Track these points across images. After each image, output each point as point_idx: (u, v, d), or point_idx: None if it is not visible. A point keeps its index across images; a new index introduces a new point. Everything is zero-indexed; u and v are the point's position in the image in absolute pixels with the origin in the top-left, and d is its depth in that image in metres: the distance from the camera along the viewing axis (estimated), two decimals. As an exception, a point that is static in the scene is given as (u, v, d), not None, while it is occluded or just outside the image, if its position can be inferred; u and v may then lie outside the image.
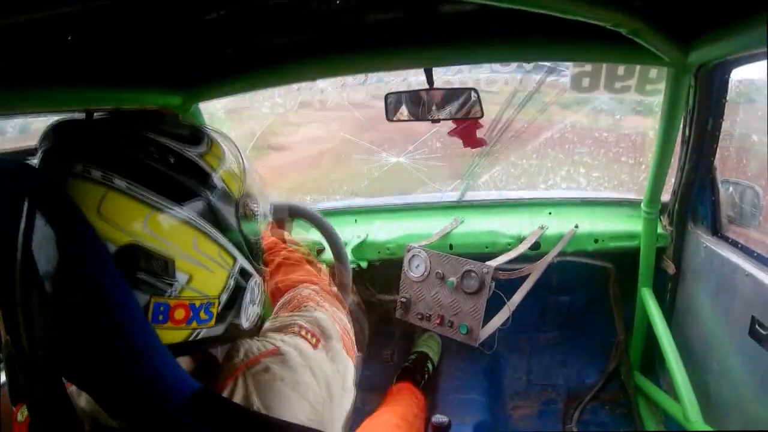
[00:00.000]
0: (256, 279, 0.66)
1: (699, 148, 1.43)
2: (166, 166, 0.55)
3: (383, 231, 1.89)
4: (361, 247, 1.83)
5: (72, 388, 0.56)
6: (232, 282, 0.60)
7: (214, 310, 0.58)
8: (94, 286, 0.46)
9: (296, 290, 0.89)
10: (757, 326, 1.21)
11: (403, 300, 1.61)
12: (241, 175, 0.64)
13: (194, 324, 0.56)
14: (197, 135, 0.61)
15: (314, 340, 0.69)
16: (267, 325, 0.73)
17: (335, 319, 0.79)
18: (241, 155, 0.66)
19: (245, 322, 0.64)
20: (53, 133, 0.56)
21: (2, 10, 0.49)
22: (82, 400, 0.57)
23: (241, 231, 0.62)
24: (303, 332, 0.70)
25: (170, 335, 0.55)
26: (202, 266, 0.56)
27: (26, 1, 0.51)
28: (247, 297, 0.64)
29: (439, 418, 1.49)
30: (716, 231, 1.48)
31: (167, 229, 0.53)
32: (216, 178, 0.59)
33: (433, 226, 1.86)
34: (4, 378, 0.56)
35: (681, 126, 1.39)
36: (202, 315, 0.57)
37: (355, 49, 1.16)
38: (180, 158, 0.56)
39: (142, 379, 0.48)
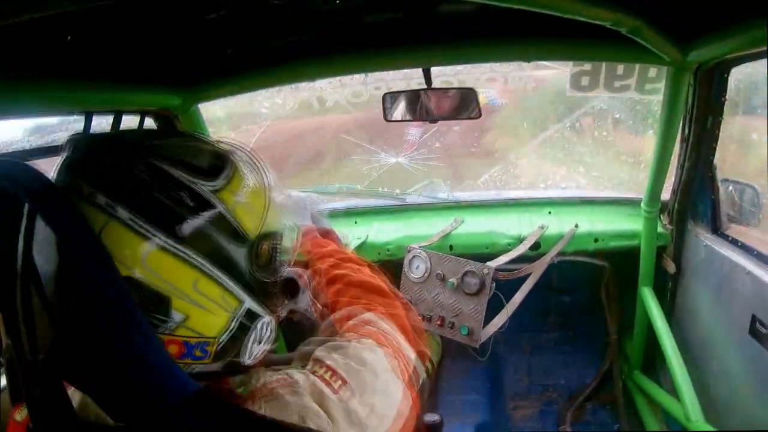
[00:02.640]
0: (265, 320, 0.61)
1: (698, 147, 1.43)
2: (174, 201, 0.52)
3: (383, 232, 1.89)
4: (360, 248, 1.83)
5: (71, 390, 0.56)
6: (234, 324, 0.57)
7: (211, 349, 0.56)
8: (95, 288, 0.46)
9: (349, 311, 0.79)
10: (757, 325, 1.21)
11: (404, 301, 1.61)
12: (261, 212, 0.59)
13: (188, 360, 0.54)
14: (217, 166, 0.56)
15: (338, 383, 0.61)
16: (300, 348, 0.69)
17: (395, 354, 0.70)
18: (268, 188, 0.62)
19: (247, 360, 0.60)
20: (71, 147, 0.55)
21: (2, 10, 0.49)
22: (82, 400, 0.57)
23: (253, 273, 0.58)
24: (326, 374, 0.62)
25: None
26: (201, 307, 0.53)
27: (26, 1, 0.51)
28: (252, 336, 0.60)
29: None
30: (716, 229, 1.48)
31: (166, 266, 0.51)
32: (228, 217, 0.55)
33: (432, 227, 1.86)
34: (4, 381, 0.56)
35: (680, 125, 1.40)
36: (197, 353, 0.55)
37: (355, 49, 1.17)
38: (191, 194, 0.53)
39: (142, 380, 0.47)
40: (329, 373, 0.61)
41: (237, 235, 0.56)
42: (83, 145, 0.56)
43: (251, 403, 0.55)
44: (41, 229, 0.45)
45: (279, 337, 1.91)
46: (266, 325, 0.61)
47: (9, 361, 0.48)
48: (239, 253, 0.56)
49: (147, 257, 0.50)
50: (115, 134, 0.59)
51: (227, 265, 0.55)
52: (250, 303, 0.58)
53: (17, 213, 0.46)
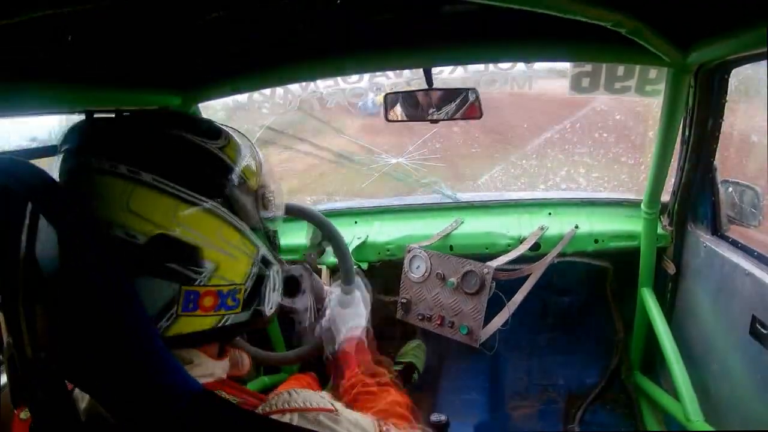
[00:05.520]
0: (275, 267, 0.68)
1: (699, 149, 1.43)
2: (189, 158, 0.57)
3: (383, 232, 1.89)
4: (361, 248, 1.83)
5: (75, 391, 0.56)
6: (255, 269, 0.63)
7: (240, 297, 0.61)
8: (98, 287, 0.46)
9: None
10: (757, 325, 1.21)
11: (404, 301, 1.61)
12: (257, 168, 0.66)
13: (222, 311, 0.59)
14: (215, 129, 0.62)
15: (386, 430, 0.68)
16: None
17: None
18: (255, 149, 0.68)
19: (268, 309, 0.66)
20: (77, 132, 0.58)
21: (2, 10, 0.49)
22: (85, 401, 0.57)
23: (261, 220, 0.65)
24: (380, 422, 0.69)
25: (199, 322, 0.57)
26: (227, 254, 0.58)
27: (26, 1, 0.51)
28: (269, 284, 0.66)
29: (437, 416, 1.49)
30: (716, 231, 1.48)
31: (194, 219, 0.55)
32: (236, 170, 0.61)
33: (433, 228, 1.86)
34: (4, 379, 0.56)
35: (681, 126, 1.40)
36: (230, 302, 0.59)
37: (355, 49, 1.17)
38: (202, 151, 0.58)
39: (145, 380, 0.47)
40: (385, 427, 0.68)
41: (245, 185, 0.62)
42: (86, 130, 0.59)
43: (292, 413, 0.58)
44: (44, 227, 0.46)
45: (279, 338, 1.91)
46: (277, 272, 0.68)
47: (10, 359, 0.48)
48: (249, 202, 0.62)
49: (176, 212, 0.54)
50: (117, 116, 0.62)
51: (241, 213, 0.61)
52: (263, 249, 0.64)
53: (20, 211, 0.46)
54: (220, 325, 0.59)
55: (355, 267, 1.22)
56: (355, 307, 1.12)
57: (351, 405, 0.88)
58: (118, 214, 0.52)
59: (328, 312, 1.11)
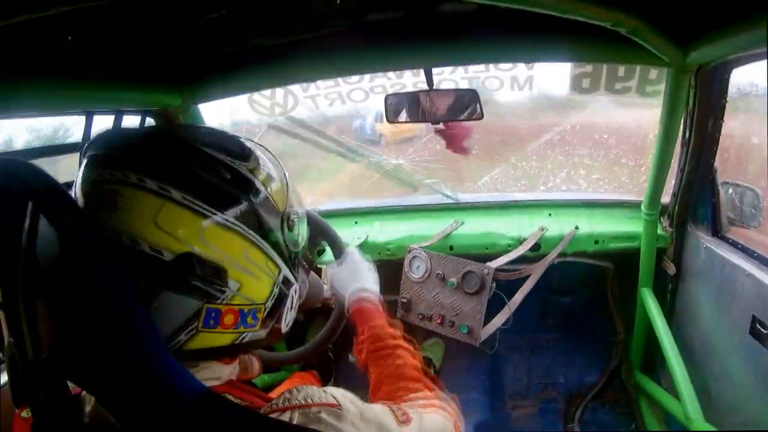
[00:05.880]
0: (295, 287, 0.68)
1: (699, 150, 1.43)
2: (220, 179, 0.57)
3: (383, 232, 1.89)
4: (361, 248, 1.83)
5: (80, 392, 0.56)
6: (276, 290, 0.63)
7: (260, 316, 0.61)
8: (99, 288, 0.46)
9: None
10: (757, 325, 1.21)
11: (404, 300, 1.61)
12: (284, 190, 0.66)
13: (241, 328, 0.59)
14: (246, 151, 0.62)
15: (404, 417, 0.66)
16: None
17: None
18: (284, 171, 0.68)
19: (285, 327, 0.67)
20: (104, 141, 0.58)
21: (2, 10, 0.49)
22: (91, 403, 0.57)
23: (285, 242, 0.64)
24: (393, 407, 0.68)
25: (219, 338, 0.57)
26: (251, 275, 0.59)
27: (26, 0, 0.51)
28: (288, 303, 0.67)
29: None
30: (716, 232, 1.48)
31: (221, 239, 0.55)
32: (264, 193, 0.61)
33: (433, 228, 1.86)
34: (5, 378, 0.56)
35: (681, 127, 1.40)
36: (249, 320, 0.60)
37: (355, 49, 1.17)
38: (232, 172, 0.58)
39: (147, 380, 0.47)
40: (400, 411, 0.67)
41: (272, 208, 0.62)
42: (115, 140, 0.59)
43: (292, 411, 0.57)
44: (44, 228, 0.46)
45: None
46: (296, 292, 0.69)
47: (11, 359, 0.48)
48: (275, 225, 0.63)
49: (204, 232, 0.54)
50: (145, 128, 0.62)
51: (267, 235, 0.61)
52: (285, 270, 0.65)
53: (20, 212, 0.46)
54: (237, 341, 0.59)
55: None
56: (352, 265, 1.10)
57: (364, 367, 0.92)
58: (144, 228, 0.51)
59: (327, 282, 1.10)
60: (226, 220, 0.56)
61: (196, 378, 0.52)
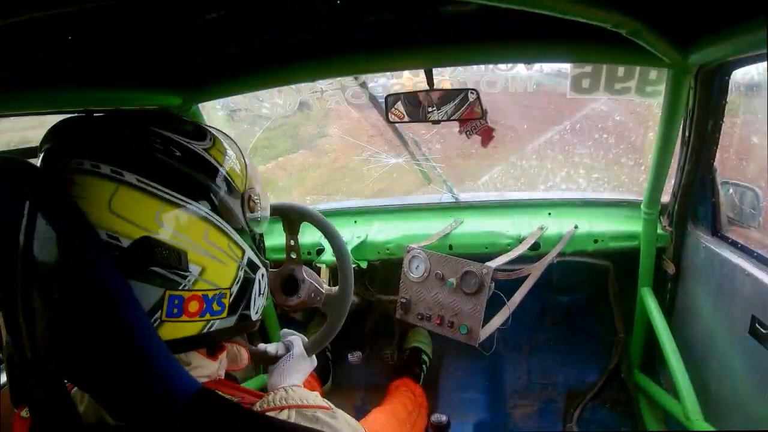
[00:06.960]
0: (262, 271, 0.67)
1: (699, 150, 1.43)
2: (175, 160, 0.55)
3: (383, 232, 1.89)
4: (360, 247, 1.84)
5: (74, 390, 0.56)
6: (241, 273, 0.61)
7: (226, 302, 0.60)
8: (96, 287, 0.46)
9: None
10: (757, 325, 1.21)
11: (403, 300, 1.61)
12: (243, 171, 0.64)
13: (207, 316, 0.58)
14: (201, 131, 0.61)
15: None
16: None
17: None
18: (242, 152, 0.67)
19: (254, 314, 0.66)
20: (57, 132, 0.57)
21: (2, 10, 0.49)
22: (84, 402, 0.57)
23: (247, 223, 0.63)
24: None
25: (185, 328, 0.56)
26: (213, 258, 0.57)
27: (26, 1, 0.51)
28: (255, 288, 0.65)
29: (438, 417, 1.50)
30: (716, 231, 1.49)
31: (179, 222, 0.54)
32: (222, 172, 0.60)
33: (432, 227, 1.86)
34: (4, 378, 0.56)
35: (681, 127, 1.39)
36: (215, 306, 0.58)
37: (355, 50, 1.17)
38: (187, 152, 0.57)
39: (144, 379, 0.47)
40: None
41: (231, 187, 0.61)
42: (68, 127, 0.58)
43: (290, 410, 0.58)
44: (42, 226, 0.46)
45: (278, 338, 1.91)
46: (263, 276, 0.67)
47: (9, 358, 0.48)
48: (236, 205, 0.61)
49: (160, 215, 0.53)
50: (97, 115, 0.61)
51: (227, 216, 0.59)
52: (249, 253, 0.63)
53: (18, 210, 0.46)
54: (205, 330, 0.58)
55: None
56: (291, 363, 1.04)
57: None
58: (100, 215, 0.50)
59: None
60: (183, 201, 0.54)
61: (191, 375, 0.52)
